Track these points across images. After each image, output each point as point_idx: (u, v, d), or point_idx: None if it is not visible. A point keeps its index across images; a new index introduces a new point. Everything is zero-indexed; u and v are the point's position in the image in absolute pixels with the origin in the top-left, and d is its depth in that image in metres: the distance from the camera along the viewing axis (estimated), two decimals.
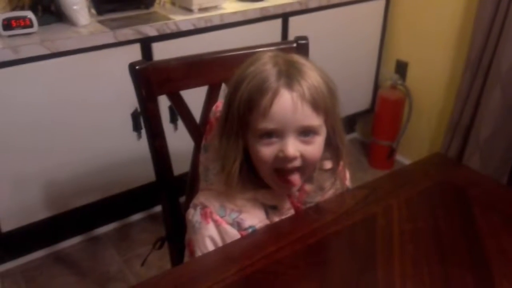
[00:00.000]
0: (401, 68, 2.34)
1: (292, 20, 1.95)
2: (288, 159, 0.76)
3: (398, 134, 2.36)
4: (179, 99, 1.06)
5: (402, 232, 0.80)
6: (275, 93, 0.74)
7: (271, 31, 1.92)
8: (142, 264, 1.17)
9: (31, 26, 1.52)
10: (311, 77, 0.77)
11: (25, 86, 1.49)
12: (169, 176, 1.10)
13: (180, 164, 1.13)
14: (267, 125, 0.75)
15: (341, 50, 2.19)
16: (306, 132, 0.77)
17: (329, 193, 0.89)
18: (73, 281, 1.77)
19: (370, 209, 0.86)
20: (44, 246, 1.89)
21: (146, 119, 1.04)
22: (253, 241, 0.79)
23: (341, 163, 0.87)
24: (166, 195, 1.11)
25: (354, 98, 2.38)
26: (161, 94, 1.04)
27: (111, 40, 1.57)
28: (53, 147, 1.62)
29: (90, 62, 1.57)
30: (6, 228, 1.65)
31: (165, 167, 1.08)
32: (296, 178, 0.80)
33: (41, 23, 1.57)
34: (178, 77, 1.05)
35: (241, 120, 0.77)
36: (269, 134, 0.76)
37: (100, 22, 1.67)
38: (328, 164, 0.88)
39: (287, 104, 0.74)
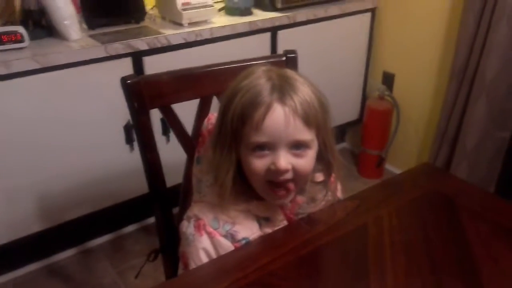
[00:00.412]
0: (388, 79, 2.37)
1: (281, 34, 1.98)
2: (279, 171, 0.78)
3: (386, 144, 2.38)
4: (171, 113, 1.08)
5: (393, 242, 0.82)
6: (268, 107, 0.76)
7: (260, 45, 1.94)
8: (136, 277, 1.17)
9: (22, 41, 1.52)
10: (304, 92, 0.79)
11: (16, 100, 1.49)
12: (161, 188, 1.11)
13: (173, 176, 1.13)
14: (260, 138, 0.77)
15: (329, 62, 2.21)
16: (297, 146, 0.79)
17: (321, 204, 0.91)
18: None
19: (361, 219, 0.88)
20: (37, 259, 1.88)
21: (138, 131, 1.05)
22: (246, 253, 0.80)
23: (333, 175, 0.89)
24: (159, 207, 1.12)
25: (343, 109, 2.41)
26: (153, 108, 1.05)
27: (102, 54, 1.58)
28: (45, 161, 1.62)
29: (82, 76, 1.57)
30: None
31: (158, 178, 1.10)
32: (291, 186, 0.81)
33: (32, 38, 1.58)
34: (169, 91, 1.06)
35: (234, 133, 0.79)
36: (262, 147, 0.78)
37: (92, 36, 1.68)
38: (320, 177, 0.90)
39: (280, 118, 0.76)
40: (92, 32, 1.72)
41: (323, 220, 0.87)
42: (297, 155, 0.79)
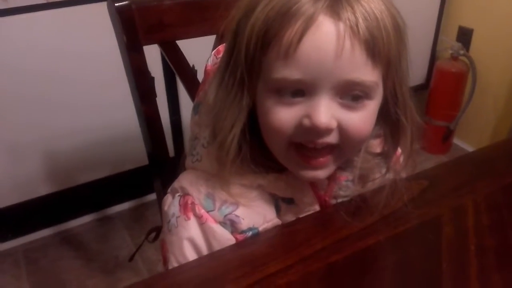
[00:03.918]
0: (465, 35, 2.07)
1: None
2: (317, 130, 0.49)
3: (457, 114, 2.11)
4: (174, 51, 0.82)
5: (484, 249, 0.52)
6: (310, 22, 0.47)
7: None
8: (131, 259, 0.94)
9: None
10: (371, 2, 0.48)
11: (17, 40, 1.31)
12: (163, 154, 0.86)
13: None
14: (290, 73, 0.48)
15: None
16: (351, 92, 0.50)
17: (373, 186, 0.62)
18: (77, 265, 1.61)
19: (431, 210, 0.58)
20: (50, 224, 1.74)
21: (129, 74, 0.80)
22: (249, 253, 0.53)
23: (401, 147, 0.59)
24: (159, 178, 0.88)
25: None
26: (150, 43, 0.79)
27: None
28: (54, 116, 1.46)
29: (94, 15, 1.34)
30: (4, 203, 1.53)
31: (157, 140, 0.85)
32: (332, 155, 0.53)
33: None
34: (173, 22, 0.81)
35: (250, 63, 0.50)
36: (292, 89, 0.49)
37: None
38: (378, 146, 0.60)
39: (328, 42, 0.47)
40: None
41: (372, 209, 0.58)
42: (348, 107, 0.50)
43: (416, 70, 2.14)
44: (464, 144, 2.22)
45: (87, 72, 1.43)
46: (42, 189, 1.56)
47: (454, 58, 2.01)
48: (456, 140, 2.23)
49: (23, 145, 1.45)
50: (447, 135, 2.14)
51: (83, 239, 1.71)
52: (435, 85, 2.11)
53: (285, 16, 0.47)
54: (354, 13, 0.47)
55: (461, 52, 2.00)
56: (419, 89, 2.23)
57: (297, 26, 0.47)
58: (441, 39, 2.15)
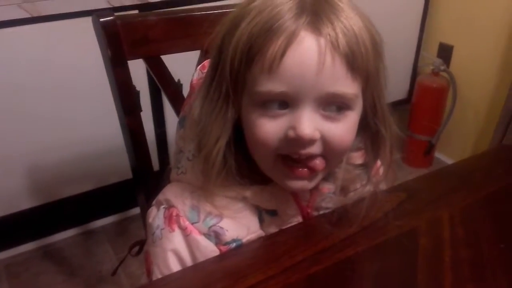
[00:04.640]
0: (445, 52, 2.09)
1: None
2: (302, 141, 0.50)
3: (438, 128, 2.12)
4: (159, 65, 0.83)
5: (458, 261, 0.53)
6: (292, 37, 0.48)
7: None
8: (113, 274, 0.94)
9: None
10: (350, 19, 0.50)
11: (1, 53, 1.29)
12: (147, 168, 0.87)
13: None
14: (274, 86, 0.49)
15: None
16: (332, 104, 0.51)
17: (354, 197, 0.63)
18: (60, 280, 1.58)
19: (408, 222, 0.59)
20: (33, 238, 1.71)
21: (113, 89, 0.80)
22: (232, 265, 0.54)
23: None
24: (143, 192, 0.88)
25: (390, 86, 2.07)
26: (135, 57, 0.80)
27: (103, 4, 1.35)
28: (37, 129, 1.43)
29: (78, 29, 1.34)
30: None
31: (140, 152, 0.85)
32: (318, 163, 0.54)
33: None
34: (158, 37, 0.82)
35: (234, 78, 0.52)
36: (276, 102, 0.51)
37: None
38: (358, 157, 0.62)
39: (310, 56, 0.49)
40: None
41: (351, 221, 0.59)
42: (330, 119, 0.52)
43: (398, 85, 2.17)
44: (446, 157, 2.22)
45: (71, 85, 1.42)
46: (25, 203, 1.53)
47: (435, 73, 2.04)
48: (438, 154, 2.23)
49: (6, 159, 1.43)
50: (429, 149, 2.14)
51: (66, 253, 1.68)
52: (417, 100, 2.13)
53: (268, 32, 0.49)
54: (334, 29, 0.49)
55: (442, 67, 2.02)
56: (402, 104, 2.22)
57: (280, 41, 0.48)
58: (422, 55, 2.17)
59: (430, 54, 2.14)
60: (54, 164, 1.51)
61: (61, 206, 1.60)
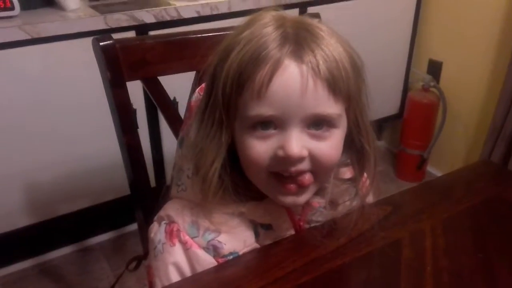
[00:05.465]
0: (435, 68, 2.13)
1: (310, 10, 1.73)
2: (291, 159, 0.54)
3: (430, 142, 2.15)
4: (156, 86, 0.86)
5: (439, 270, 0.56)
6: (277, 65, 0.53)
7: None
8: None
9: (11, 8, 1.35)
10: (330, 46, 0.55)
11: (2, 74, 1.32)
12: (145, 184, 0.90)
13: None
14: (263, 110, 0.54)
15: (366, 48, 1.92)
16: (318, 123, 0.55)
17: (343, 211, 0.66)
18: None
19: (392, 234, 0.63)
20: (30, 256, 1.72)
21: (112, 108, 0.84)
22: (226, 276, 0.57)
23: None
24: (141, 208, 0.91)
25: (381, 102, 2.15)
26: (133, 79, 0.84)
27: (101, 26, 1.38)
28: (32, 142, 1.44)
29: (77, 49, 1.37)
30: None
31: (139, 171, 0.88)
32: (306, 179, 0.57)
33: (26, 7, 1.42)
34: (155, 60, 0.86)
35: (227, 103, 0.56)
36: (265, 124, 0.55)
37: (93, 7, 1.49)
38: (346, 172, 0.66)
39: (293, 81, 0.53)
40: (95, 3, 1.53)
41: (340, 233, 0.62)
42: (316, 137, 0.56)
43: (390, 101, 2.21)
44: (437, 171, 2.24)
45: (68, 102, 1.44)
46: (22, 221, 1.53)
47: (425, 89, 2.07)
48: (430, 168, 2.26)
49: (3, 177, 1.43)
50: (421, 163, 2.17)
51: (62, 270, 1.69)
52: (408, 115, 2.16)
53: (256, 61, 0.53)
54: (315, 56, 0.53)
55: (432, 83, 2.06)
56: (393, 119, 2.26)
57: (266, 69, 0.53)
58: (413, 72, 2.20)
59: (420, 71, 2.18)
60: (50, 181, 1.52)
61: (58, 223, 1.60)
